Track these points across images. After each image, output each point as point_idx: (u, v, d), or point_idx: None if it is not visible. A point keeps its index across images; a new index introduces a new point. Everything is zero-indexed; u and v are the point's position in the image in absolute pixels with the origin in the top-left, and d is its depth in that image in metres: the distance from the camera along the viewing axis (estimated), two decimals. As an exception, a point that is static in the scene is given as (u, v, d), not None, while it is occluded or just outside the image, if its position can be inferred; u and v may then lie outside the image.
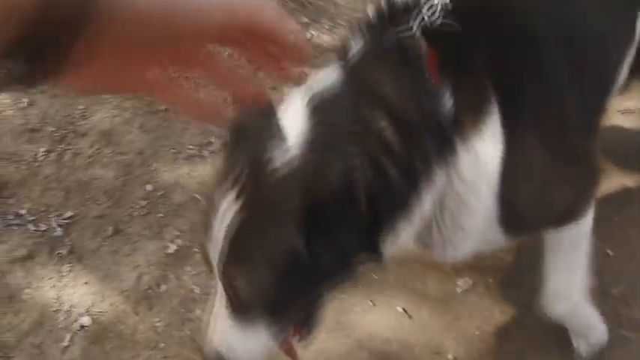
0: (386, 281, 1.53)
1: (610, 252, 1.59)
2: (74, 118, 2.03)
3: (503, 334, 1.41)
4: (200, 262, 1.62)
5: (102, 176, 1.90)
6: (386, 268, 1.53)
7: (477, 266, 1.51)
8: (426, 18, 1.00)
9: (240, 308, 0.97)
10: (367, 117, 0.93)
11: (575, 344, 1.34)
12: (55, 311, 1.67)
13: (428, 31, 0.99)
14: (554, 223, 1.20)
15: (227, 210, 0.92)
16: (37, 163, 1.95)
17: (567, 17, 1.14)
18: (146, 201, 1.83)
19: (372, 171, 0.90)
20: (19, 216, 1.85)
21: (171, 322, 1.60)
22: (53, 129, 2.01)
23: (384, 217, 0.95)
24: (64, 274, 1.73)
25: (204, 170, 1.88)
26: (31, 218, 1.84)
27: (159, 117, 2.01)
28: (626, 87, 1.40)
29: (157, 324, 1.60)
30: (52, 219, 1.82)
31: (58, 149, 1.96)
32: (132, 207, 1.82)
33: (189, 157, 1.92)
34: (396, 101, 0.95)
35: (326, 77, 0.99)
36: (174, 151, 1.94)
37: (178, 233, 1.75)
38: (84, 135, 1.99)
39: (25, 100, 2.08)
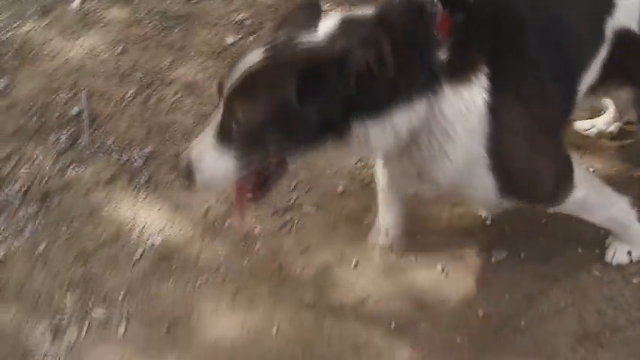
0: (429, 242, 1.72)
1: None
2: (162, 68, 2.25)
3: (527, 300, 1.58)
4: (263, 204, 1.85)
5: (181, 121, 2.11)
6: (430, 229, 1.72)
7: (512, 241, 1.69)
8: None
9: (225, 133, 1.18)
10: (376, 36, 1.16)
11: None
12: (129, 229, 1.88)
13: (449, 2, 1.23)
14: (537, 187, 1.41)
15: (252, 57, 1.16)
16: (124, 103, 2.17)
17: (548, 15, 1.36)
18: (219, 148, 2.04)
19: (365, 66, 1.11)
20: (104, 145, 2.07)
21: (231, 252, 1.79)
22: (142, 75, 2.24)
23: (360, 108, 1.18)
24: (140, 199, 1.94)
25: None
26: (115, 148, 2.06)
27: (237, 78, 2.22)
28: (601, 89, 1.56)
29: (219, 252, 1.79)
30: (134, 151, 2.04)
31: (145, 93, 2.19)
32: (206, 152, 2.03)
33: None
34: (401, 36, 1.18)
35: (362, 10, 1.25)
36: (248, 109, 2.15)
37: (247, 178, 1.95)
38: (169, 84, 2.21)
39: (119, 47, 2.31)
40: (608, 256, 1.64)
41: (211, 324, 1.66)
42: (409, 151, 1.29)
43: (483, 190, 1.35)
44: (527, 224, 1.72)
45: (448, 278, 1.65)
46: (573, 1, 1.45)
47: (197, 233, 1.84)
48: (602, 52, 1.47)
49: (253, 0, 2.49)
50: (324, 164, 1.95)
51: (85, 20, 2.41)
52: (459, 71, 1.22)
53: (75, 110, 2.15)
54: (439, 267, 1.67)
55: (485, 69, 1.23)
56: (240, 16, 2.41)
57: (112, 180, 1.98)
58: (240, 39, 2.34)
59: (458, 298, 1.61)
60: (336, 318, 1.61)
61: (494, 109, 1.24)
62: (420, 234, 1.72)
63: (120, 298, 1.74)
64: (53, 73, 2.26)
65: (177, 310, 1.69)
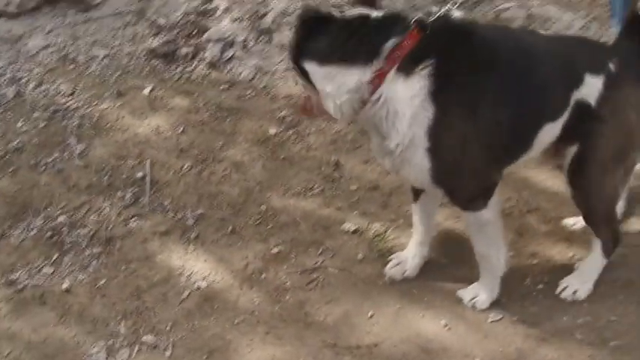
0: (434, 301, 2.03)
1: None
2: (214, 148, 2.66)
3: (518, 354, 1.86)
4: (294, 264, 2.18)
5: (228, 192, 2.49)
6: (434, 289, 2.05)
7: (507, 306, 2.00)
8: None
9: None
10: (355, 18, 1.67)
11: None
12: (179, 274, 2.20)
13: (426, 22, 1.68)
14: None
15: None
16: (181, 173, 2.56)
17: (526, 65, 1.78)
18: (259, 216, 2.39)
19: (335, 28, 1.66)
20: (162, 205, 2.44)
21: (265, 300, 2.10)
22: (197, 152, 2.64)
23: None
24: (189, 251, 2.27)
25: (305, 205, 2.45)
26: (171, 208, 2.42)
27: (277, 162, 2.62)
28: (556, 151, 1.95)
29: (255, 299, 2.10)
30: (187, 212, 2.40)
31: (199, 167, 2.58)
32: (248, 218, 2.39)
33: (296, 194, 2.50)
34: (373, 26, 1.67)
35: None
36: (285, 187, 2.53)
37: (280, 242, 2.28)
38: (220, 161, 2.61)
39: (180, 128, 2.74)
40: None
41: (245, 355, 1.93)
42: (378, 127, 1.75)
43: (420, 171, 1.76)
44: (520, 294, 2.04)
45: (450, 331, 1.94)
46: (550, 66, 1.82)
47: (237, 282, 2.15)
48: (565, 115, 1.83)
49: (294, 101, 2.95)
50: (348, 237, 2.30)
51: (153, 104, 2.86)
52: (411, 65, 1.66)
53: (139, 174, 2.53)
54: (443, 322, 1.97)
55: (432, 70, 1.65)
56: (282, 113, 2.85)
57: (166, 233, 2.33)
58: (281, 131, 2.78)
59: (458, 348, 1.90)
60: (353, 356, 1.90)
61: (438, 102, 1.66)
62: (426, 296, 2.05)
63: (167, 328, 2.02)
64: (123, 143, 2.68)
65: (216, 342, 1.98)
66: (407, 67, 1.66)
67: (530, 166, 2.51)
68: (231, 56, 3.12)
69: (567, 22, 4.01)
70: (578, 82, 1.81)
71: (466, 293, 2.05)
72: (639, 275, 2.10)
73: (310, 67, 1.70)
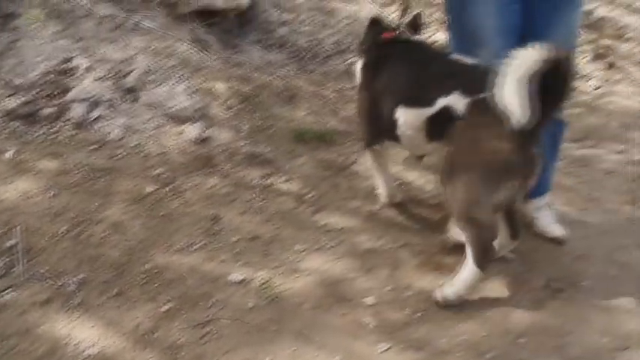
0: (326, 340, 2.16)
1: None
2: (91, 210, 2.61)
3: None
4: (185, 319, 2.20)
5: (110, 254, 2.45)
6: (324, 328, 2.18)
7: (392, 335, 2.19)
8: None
9: None
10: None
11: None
12: (65, 344, 2.12)
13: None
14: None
15: None
16: (57, 237, 2.47)
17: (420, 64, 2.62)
18: (144, 275, 2.38)
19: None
20: (38, 273, 2.34)
21: (161, 359, 2.09)
22: (73, 215, 2.57)
23: None
24: (74, 318, 2.20)
25: (190, 260, 2.48)
26: (49, 275, 2.33)
27: (157, 219, 2.64)
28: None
29: (150, 358, 2.08)
30: (68, 278, 2.32)
31: (76, 230, 2.51)
32: (133, 278, 2.36)
33: (179, 250, 2.52)
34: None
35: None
36: (167, 244, 2.54)
37: (169, 298, 2.29)
38: (97, 223, 2.56)
39: (52, 192, 2.65)
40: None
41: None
42: None
43: None
44: (403, 323, 2.25)
45: (344, 368, 2.09)
46: (433, 74, 2.52)
47: (129, 344, 2.12)
48: (433, 109, 2.43)
49: (167, 158, 2.99)
50: (236, 287, 2.37)
51: (18, 168, 2.72)
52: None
53: (9, 243, 2.41)
54: (337, 358, 2.11)
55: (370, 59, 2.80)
56: (156, 171, 2.87)
57: (47, 302, 2.23)
58: (157, 189, 2.79)
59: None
60: (257, 403, 1.96)
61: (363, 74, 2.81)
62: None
63: (59, 401, 1.94)
64: (-12, 212, 2.54)
65: (115, 408, 1.93)
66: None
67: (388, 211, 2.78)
68: (98, 116, 3.09)
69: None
70: (447, 92, 2.38)
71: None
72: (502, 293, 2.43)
73: None
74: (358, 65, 2.88)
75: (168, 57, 3.61)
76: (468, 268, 2.33)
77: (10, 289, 2.26)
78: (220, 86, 3.48)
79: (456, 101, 2.34)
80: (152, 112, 3.14)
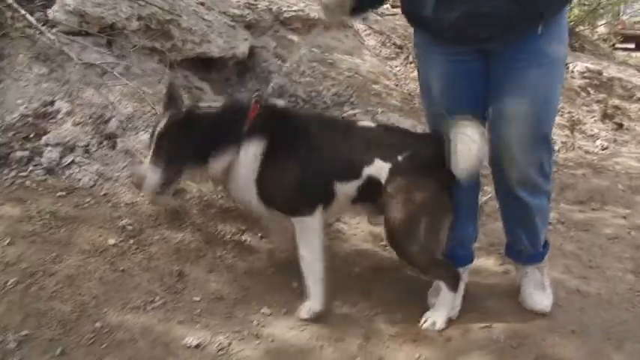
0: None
1: None
2: (46, 261, 2.45)
3: None
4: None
5: (59, 309, 2.28)
6: None
7: None
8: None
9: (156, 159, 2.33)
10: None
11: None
12: (-7, 409, 1.93)
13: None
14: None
15: (163, 122, 2.39)
16: (4, 290, 2.32)
17: (330, 143, 2.52)
18: (93, 334, 2.20)
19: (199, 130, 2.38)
20: (-22, 328, 2.17)
21: None
22: (26, 265, 2.42)
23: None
24: (10, 380, 2.02)
25: (145, 320, 2.30)
26: (-11, 331, 2.16)
27: (116, 274, 2.47)
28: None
29: None
30: (9, 334, 2.15)
31: (27, 282, 2.35)
32: (80, 337, 2.19)
33: (135, 308, 2.35)
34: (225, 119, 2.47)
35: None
36: (123, 301, 2.37)
37: (117, 361, 2.11)
38: (51, 275, 2.40)
39: (7, 240, 2.51)
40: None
41: None
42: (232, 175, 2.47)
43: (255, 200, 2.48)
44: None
45: None
46: (347, 146, 2.50)
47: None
48: (358, 182, 2.46)
49: (136, 209, 2.84)
50: (190, 352, 2.18)
51: (-23, 214, 2.62)
52: (252, 138, 2.44)
53: (-48, 294, 2.26)
54: None
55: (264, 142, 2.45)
56: (123, 222, 2.73)
57: (-18, 361, 2.06)
58: (121, 241, 2.64)
59: None
60: None
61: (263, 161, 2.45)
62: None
63: None
64: None
65: None
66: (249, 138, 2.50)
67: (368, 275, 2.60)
68: (71, 162, 2.97)
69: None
70: (369, 161, 2.45)
71: (303, 309, 2.46)
72: None
73: None
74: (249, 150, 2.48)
75: (155, 104, 3.52)
76: (446, 296, 2.51)
77: (-56, 345, 2.10)
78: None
79: (379, 168, 2.45)
80: (128, 159, 3.02)
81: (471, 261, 2.77)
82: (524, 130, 2.35)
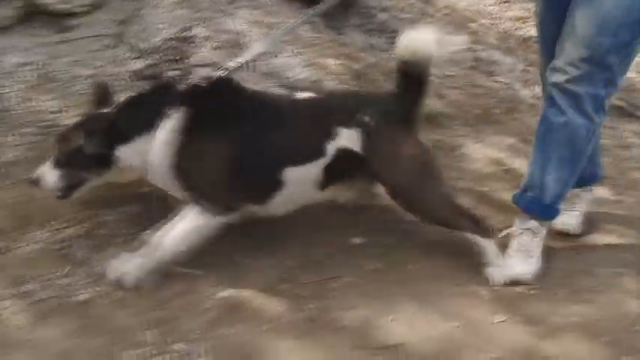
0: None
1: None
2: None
3: (527, 350, 2.09)
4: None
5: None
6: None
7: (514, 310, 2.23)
8: None
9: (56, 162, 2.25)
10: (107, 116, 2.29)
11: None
12: None
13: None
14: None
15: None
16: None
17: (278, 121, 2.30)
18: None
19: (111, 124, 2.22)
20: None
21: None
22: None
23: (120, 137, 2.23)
24: None
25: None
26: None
27: None
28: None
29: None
30: None
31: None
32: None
33: None
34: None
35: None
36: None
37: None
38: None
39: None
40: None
41: (279, 356, 2.01)
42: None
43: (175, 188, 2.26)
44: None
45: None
46: (299, 123, 2.29)
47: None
48: (323, 161, 2.26)
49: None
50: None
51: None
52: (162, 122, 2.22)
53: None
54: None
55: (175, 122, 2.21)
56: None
57: None
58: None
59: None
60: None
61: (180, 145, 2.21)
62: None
63: (196, 336, 2.05)
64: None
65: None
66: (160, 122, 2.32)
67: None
68: (219, 81, 3.23)
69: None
70: (333, 134, 2.26)
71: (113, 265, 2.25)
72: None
73: None
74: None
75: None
76: (489, 246, 2.39)
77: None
78: (332, 62, 3.56)
79: (348, 137, 2.28)
80: (270, 81, 3.25)
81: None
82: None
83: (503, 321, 2.19)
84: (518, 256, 2.44)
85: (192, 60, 3.37)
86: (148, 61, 3.34)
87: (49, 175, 2.26)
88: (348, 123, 2.27)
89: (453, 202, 2.41)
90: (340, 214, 2.62)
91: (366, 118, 2.28)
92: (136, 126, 2.24)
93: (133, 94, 2.42)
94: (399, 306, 2.21)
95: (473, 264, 2.42)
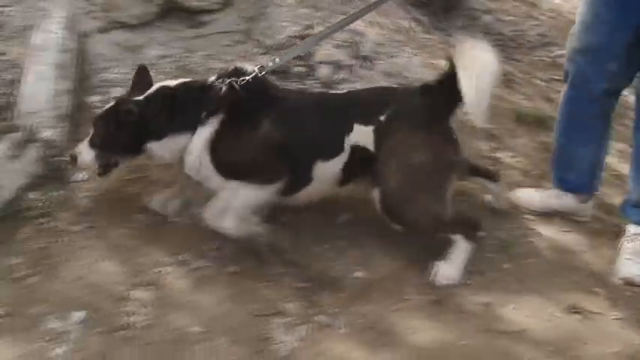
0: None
1: None
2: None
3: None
4: None
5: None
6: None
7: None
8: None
9: (92, 142, 2.43)
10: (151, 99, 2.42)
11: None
12: None
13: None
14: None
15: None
16: None
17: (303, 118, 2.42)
18: None
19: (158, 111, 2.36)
20: None
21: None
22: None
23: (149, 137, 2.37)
24: None
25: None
26: None
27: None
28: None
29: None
30: None
31: None
32: None
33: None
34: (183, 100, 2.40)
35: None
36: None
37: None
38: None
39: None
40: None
41: (411, 332, 2.21)
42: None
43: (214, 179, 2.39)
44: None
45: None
46: (326, 118, 2.38)
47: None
48: (343, 156, 2.36)
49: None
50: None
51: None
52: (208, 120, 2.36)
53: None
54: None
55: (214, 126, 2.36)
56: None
57: None
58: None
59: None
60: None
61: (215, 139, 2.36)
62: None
63: (334, 310, 2.28)
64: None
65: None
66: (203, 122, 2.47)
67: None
68: (342, 78, 3.45)
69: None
70: (348, 130, 2.34)
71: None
72: None
73: None
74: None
75: (395, 32, 3.91)
76: (463, 248, 2.39)
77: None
78: (444, 64, 3.71)
79: (361, 134, 2.33)
80: (389, 79, 3.45)
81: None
82: None
83: (619, 318, 2.31)
84: (634, 259, 2.55)
85: (318, 56, 3.60)
86: (274, 57, 3.59)
87: (85, 153, 2.43)
88: (363, 119, 2.34)
89: (438, 216, 2.36)
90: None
91: (381, 117, 2.33)
92: (170, 127, 2.36)
93: (163, 84, 2.50)
94: (519, 296, 2.37)
95: (589, 262, 2.55)
